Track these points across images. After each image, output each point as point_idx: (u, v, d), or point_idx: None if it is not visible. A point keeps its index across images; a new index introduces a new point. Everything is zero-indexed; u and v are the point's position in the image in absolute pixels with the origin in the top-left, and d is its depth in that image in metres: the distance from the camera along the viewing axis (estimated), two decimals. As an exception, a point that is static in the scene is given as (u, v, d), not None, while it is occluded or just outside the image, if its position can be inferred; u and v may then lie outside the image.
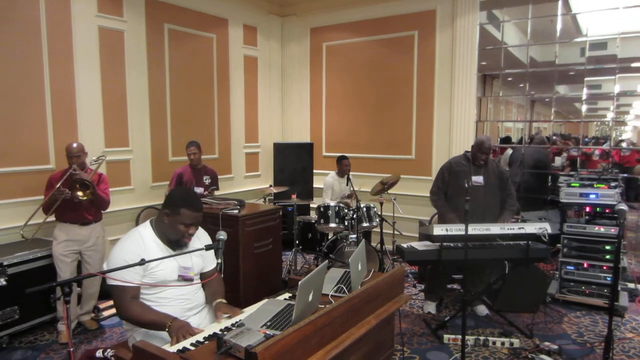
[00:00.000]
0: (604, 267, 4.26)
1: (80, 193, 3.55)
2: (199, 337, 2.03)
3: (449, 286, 4.74)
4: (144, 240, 2.35)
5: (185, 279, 2.41)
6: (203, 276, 2.58)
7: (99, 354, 2.45)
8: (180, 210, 2.31)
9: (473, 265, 3.94)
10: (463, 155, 4.23)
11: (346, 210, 4.92)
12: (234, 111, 6.43)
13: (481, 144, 4.01)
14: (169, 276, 2.36)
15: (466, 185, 3.02)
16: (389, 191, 5.43)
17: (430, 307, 4.28)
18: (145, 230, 2.40)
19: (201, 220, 2.43)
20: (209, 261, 2.59)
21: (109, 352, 2.41)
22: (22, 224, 4.00)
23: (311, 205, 6.50)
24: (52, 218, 3.80)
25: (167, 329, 2.12)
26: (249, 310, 2.32)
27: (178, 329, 2.10)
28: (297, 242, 5.16)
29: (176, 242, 2.38)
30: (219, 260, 2.20)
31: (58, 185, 3.54)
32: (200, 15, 5.83)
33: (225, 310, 2.34)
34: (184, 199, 2.37)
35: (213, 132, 6.14)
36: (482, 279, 4.22)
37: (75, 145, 3.72)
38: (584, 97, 5.34)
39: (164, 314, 2.22)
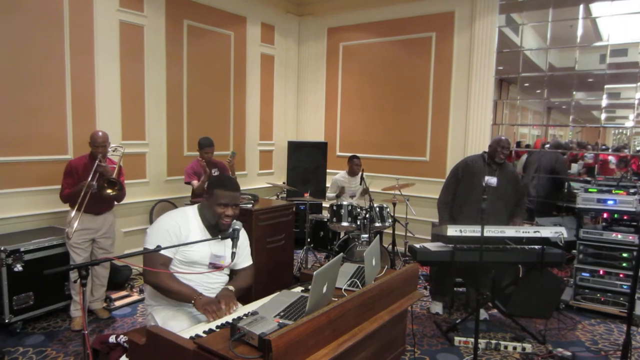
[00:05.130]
0: (621, 275, 4.19)
1: (109, 190, 3.68)
2: (212, 326, 2.04)
3: (460, 289, 4.69)
4: (188, 217, 2.45)
5: (216, 266, 2.46)
6: (234, 273, 2.64)
7: (112, 339, 2.48)
8: (214, 191, 2.41)
9: (476, 268, 3.87)
10: (480, 155, 4.17)
11: (359, 210, 4.90)
12: (249, 108, 6.46)
13: (499, 140, 3.99)
14: (201, 260, 2.41)
15: (484, 184, 2.98)
16: (403, 192, 5.40)
17: (438, 308, 4.24)
18: (193, 210, 2.51)
19: (238, 202, 2.47)
20: (242, 259, 2.63)
21: (122, 338, 2.43)
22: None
23: (323, 204, 6.49)
24: (64, 208, 3.87)
25: (193, 302, 2.18)
26: (260, 302, 2.31)
27: (206, 303, 2.14)
28: (308, 239, 5.16)
29: (215, 227, 2.44)
30: (234, 250, 2.22)
31: (89, 181, 3.59)
32: (219, 13, 5.88)
33: (220, 298, 2.28)
34: (217, 180, 2.56)
35: (228, 128, 6.18)
36: (486, 282, 4.15)
37: (101, 134, 3.71)
38: (604, 104, 5.24)
39: (192, 288, 2.28)
